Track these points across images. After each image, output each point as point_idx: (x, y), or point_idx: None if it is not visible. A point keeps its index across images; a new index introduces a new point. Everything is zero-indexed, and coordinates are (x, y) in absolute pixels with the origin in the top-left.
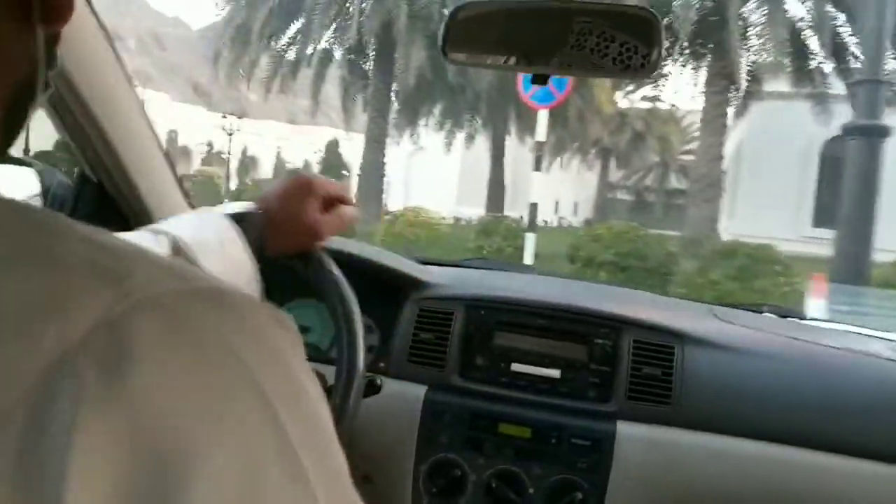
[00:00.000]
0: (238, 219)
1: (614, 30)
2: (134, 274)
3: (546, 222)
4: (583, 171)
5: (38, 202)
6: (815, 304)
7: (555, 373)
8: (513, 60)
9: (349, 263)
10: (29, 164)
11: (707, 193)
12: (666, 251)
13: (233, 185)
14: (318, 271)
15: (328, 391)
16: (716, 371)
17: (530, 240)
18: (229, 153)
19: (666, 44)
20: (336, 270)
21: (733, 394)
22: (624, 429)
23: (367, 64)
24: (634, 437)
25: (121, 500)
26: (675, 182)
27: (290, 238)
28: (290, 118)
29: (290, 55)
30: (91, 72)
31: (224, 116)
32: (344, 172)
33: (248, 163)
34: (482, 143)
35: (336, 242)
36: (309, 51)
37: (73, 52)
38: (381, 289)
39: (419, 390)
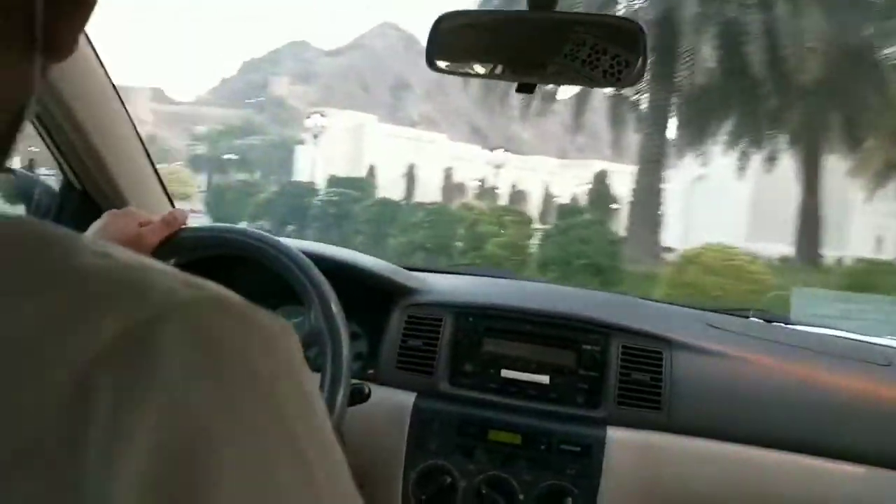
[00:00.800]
0: None
1: (601, 40)
2: (152, 284)
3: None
4: None
5: (21, 210)
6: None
7: (544, 379)
8: (498, 69)
9: (335, 270)
10: (10, 171)
11: None
12: None
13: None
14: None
15: None
16: (705, 376)
17: None
18: (497, 188)
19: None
20: (316, 273)
21: (723, 399)
22: (614, 434)
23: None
24: (625, 443)
25: (146, 491)
26: None
27: None
28: (561, 154)
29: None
30: (74, 77)
31: (491, 151)
32: (613, 206)
33: (516, 196)
34: (784, 165)
35: (321, 248)
36: None
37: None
38: (369, 295)
39: (408, 397)
